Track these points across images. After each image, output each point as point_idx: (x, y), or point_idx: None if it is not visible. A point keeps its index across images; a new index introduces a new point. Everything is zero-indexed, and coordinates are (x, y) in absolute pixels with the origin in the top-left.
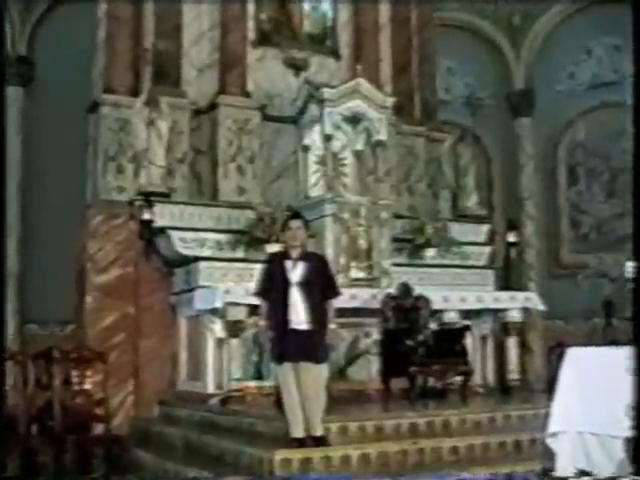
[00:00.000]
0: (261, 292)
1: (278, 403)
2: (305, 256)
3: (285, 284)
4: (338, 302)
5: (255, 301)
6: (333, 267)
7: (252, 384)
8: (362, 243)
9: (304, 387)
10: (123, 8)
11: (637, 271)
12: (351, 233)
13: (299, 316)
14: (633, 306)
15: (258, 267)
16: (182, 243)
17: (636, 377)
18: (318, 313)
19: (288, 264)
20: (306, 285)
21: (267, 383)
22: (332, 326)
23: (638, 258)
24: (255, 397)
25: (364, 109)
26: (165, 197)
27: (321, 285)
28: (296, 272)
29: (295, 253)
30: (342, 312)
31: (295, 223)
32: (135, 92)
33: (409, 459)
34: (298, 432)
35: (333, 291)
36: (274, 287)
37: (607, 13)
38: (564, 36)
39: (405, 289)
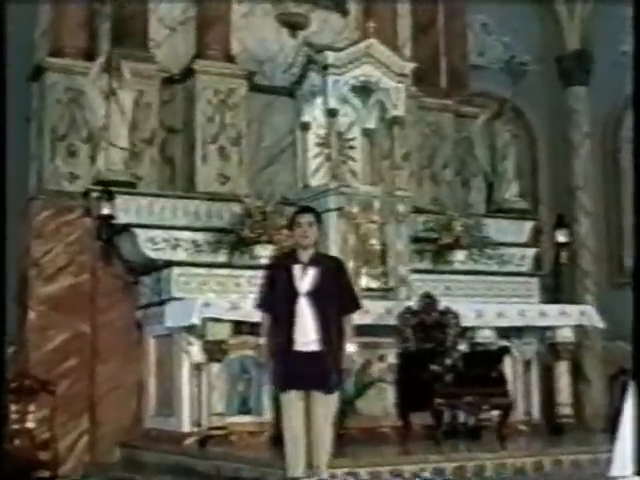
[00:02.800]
0: (262, 304)
1: (277, 441)
2: (317, 259)
3: (292, 294)
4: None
5: (248, 316)
6: None
7: (238, 420)
8: (375, 244)
9: (312, 421)
10: None
11: (636, 273)
12: (361, 232)
13: (308, 334)
14: (633, 308)
15: (245, 274)
16: (150, 244)
17: (636, 376)
18: (332, 331)
19: (296, 269)
20: (318, 295)
21: (257, 419)
22: (350, 347)
23: (638, 260)
24: (241, 436)
25: (377, 77)
26: (129, 187)
27: (337, 296)
28: (306, 279)
29: (305, 256)
30: None
31: (305, 218)
32: (90, 55)
33: None
34: (297, 472)
35: (353, 303)
36: (278, 297)
37: None
38: None
39: (428, 301)
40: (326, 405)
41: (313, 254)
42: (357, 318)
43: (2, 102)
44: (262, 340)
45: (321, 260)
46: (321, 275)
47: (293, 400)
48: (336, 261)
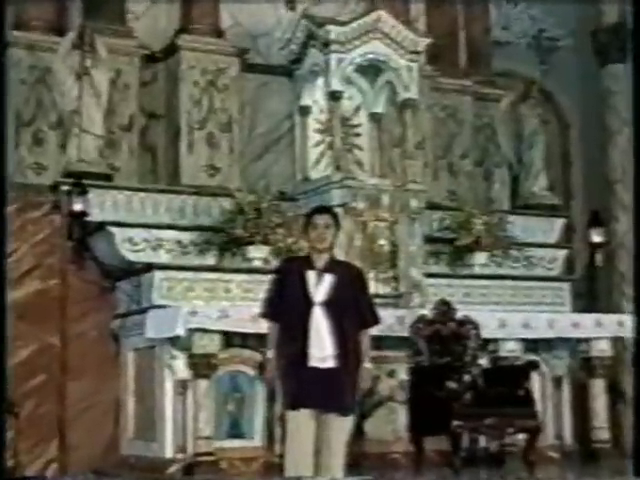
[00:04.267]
0: (270, 312)
1: (278, 469)
2: (334, 266)
3: (305, 303)
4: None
5: (239, 326)
6: None
7: (228, 445)
8: (384, 244)
9: (322, 445)
10: None
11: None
12: (368, 230)
13: (323, 348)
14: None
15: (237, 279)
16: (129, 245)
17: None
18: (349, 345)
19: (310, 276)
20: (334, 306)
21: (250, 443)
22: (367, 364)
23: (638, 262)
24: (232, 463)
25: (386, 55)
26: (104, 179)
27: (355, 307)
28: (321, 287)
29: (321, 261)
30: None
31: (322, 219)
32: (60, 29)
33: None
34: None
35: (372, 316)
36: (289, 306)
37: None
38: None
39: (444, 310)
40: (341, 428)
41: (329, 260)
42: None
43: (2, 103)
44: (269, 353)
45: (338, 267)
46: (338, 283)
47: (303, 420)
48: (354, 269)
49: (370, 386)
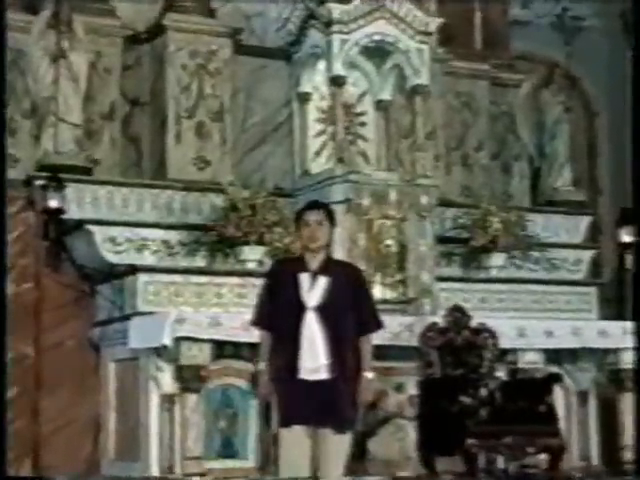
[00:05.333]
0: (260, 320)
1: None
2: (330, 266)
3: (298, 308)
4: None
5: (232, 335)
6: None
7: (219, 465)
8: (391, 245)
9: (321, 462)
10: None
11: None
12: (374, 229)
13: (317, 358)
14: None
15: (229, 282)
16: (110, 245)
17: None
18: (346, 354)
19: (303, 278)
20: (329, 310)
21: (243, 463)
22: (369, 375)
23: (638, 262)
24: None
25: (394, 36)
26: (83, 173)
27: (353, 311)
28: (315, 290)
29: (314, 262)
30: None
31: (314, 215)
32: (33, 7)
33: None
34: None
35: (373, 321)
36: (281, 312)
37: None
38: None
39: (458, 317)
40: (338, 446)
41: (324, 260)
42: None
43: (2, 100)
44: (261, 365)
45: (334, 267)
46: (334, 286)
47: (296, 438)
48: (353, 269)
49: (373, 399)
